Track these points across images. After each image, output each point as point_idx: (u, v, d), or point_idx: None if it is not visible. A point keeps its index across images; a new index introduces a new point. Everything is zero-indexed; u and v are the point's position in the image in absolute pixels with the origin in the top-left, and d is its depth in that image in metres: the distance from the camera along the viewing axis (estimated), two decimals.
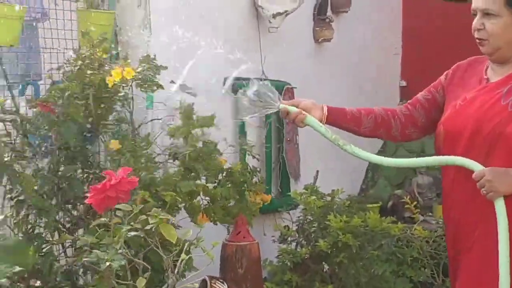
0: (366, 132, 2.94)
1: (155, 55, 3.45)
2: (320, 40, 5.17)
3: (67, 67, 3.35)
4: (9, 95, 3.47)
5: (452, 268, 2.90)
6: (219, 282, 3.37)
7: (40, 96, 3.50)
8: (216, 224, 3.48)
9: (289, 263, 4.04)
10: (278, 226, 4.24)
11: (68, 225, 3.29)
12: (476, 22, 2.73)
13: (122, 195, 2.55)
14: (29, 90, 3.62)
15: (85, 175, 3.22)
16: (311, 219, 4.28)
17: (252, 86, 2.74)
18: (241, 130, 4.46)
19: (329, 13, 5.22)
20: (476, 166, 2.64)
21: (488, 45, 2.73)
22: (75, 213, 3.23)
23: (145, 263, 2.64)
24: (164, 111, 3.67)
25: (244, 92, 2.76)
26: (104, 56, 3.26)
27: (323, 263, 4.13)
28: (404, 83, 6.16)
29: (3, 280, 2.18)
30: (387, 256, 4.04)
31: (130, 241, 2.64)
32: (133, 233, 2.57)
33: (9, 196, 3.18)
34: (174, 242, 2.75)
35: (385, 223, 4.03)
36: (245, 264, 3.52)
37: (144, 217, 2.62)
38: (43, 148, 3.19)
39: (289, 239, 4.29)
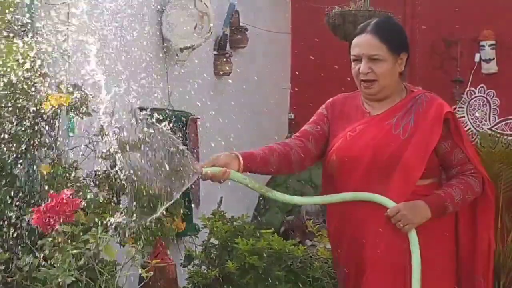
0: (272, 171, 3.13)
1: (82, 83, 3.59)
2: (220, 73, 5.46)
3: None
4: None
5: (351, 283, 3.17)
6: None
7: None
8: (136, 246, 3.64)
9: (200, 285, 4.24)
10: (188, 249, 4.44)
11: None
12: (363, 67, 3.06)
13: (65, 215, 2.69)
14: None
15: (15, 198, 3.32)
16: (216, 242, 4.51)
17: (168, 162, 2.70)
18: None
19: (228, 48, 5.52)
20: (389, 203, 2.96)
21: (376, 85, 3.07)
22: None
23: (89, 280, 2.80)
24: (84, 138, 3.81)
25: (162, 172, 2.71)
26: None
27: (230, 284, 4.35)
28: (292, 116, 6.53)
29: None
30: (290, 277, 4.31)
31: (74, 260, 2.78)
32: (75, 251, 2.71)
33: None
34: (111, 260, 2.93)
35: (289, 245, 4.31)
36: (163, 285, 3.68)
37: (86, 237, 2.78)
38: None
39: (195, 261, 4.50)
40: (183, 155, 2.73)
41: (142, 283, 3.27)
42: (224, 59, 5.46)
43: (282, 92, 6.48)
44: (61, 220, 2.72)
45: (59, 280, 2.56)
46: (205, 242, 4.56)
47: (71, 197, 2.75)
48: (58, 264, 2.62)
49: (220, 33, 5.47)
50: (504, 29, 6.01)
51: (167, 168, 2.69)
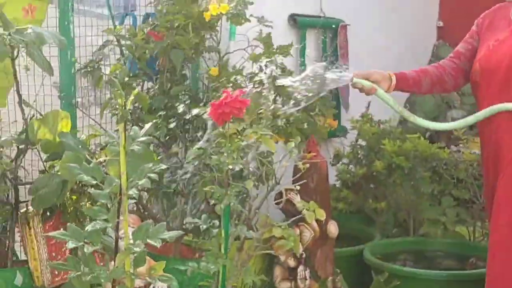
0: (425, 91, 3.42)
1: None
2: None
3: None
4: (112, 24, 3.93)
5: (490, 189, 3.31)
6: (293, 193, 3.82)
7: (137, 26, 3.95)
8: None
9: (348, 182, 4.54)
10: (337, 149, 4.73)
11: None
12: None
13: (236, 111, 2.97)
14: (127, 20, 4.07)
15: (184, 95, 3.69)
16: (363, 144, 4.77)
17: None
18: (302, 63, 4.90)
19: None
20: None
21: None
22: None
23: (254, 169, 3.13)
24: (244, 43, 4.10)
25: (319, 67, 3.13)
26: None
27: (376, 183, 4.62)
28: (441, 23, 6.54)
29: (153, 175, 2.65)
30: (435, 177, 4.52)
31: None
32: (243, 143, 3.02)
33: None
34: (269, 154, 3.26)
35: (434, 148, 4.51)
36: (316, 179, 3.97)
37: (250, 131, 3.09)
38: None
39: (343, 161, 4.80)
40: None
41: (297, 176, 3.55)
42: None
43: None
44: (232, 115, 2.98)
45: (230, 167, 2.88)
46: (353, 143, 4.83)
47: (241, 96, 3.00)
48: (227, 154, 2.93)
49: None
50: None
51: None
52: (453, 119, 6.00)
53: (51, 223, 3.35)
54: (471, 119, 3.24)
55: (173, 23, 3.60)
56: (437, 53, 6.44)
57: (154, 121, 2.76)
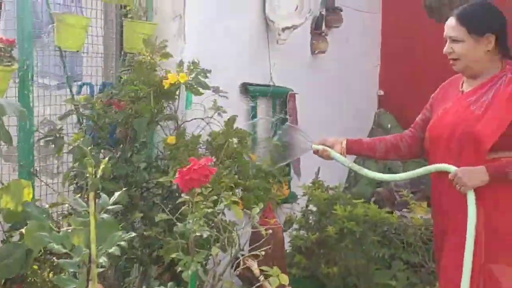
0: (380, 156, 3.63)
1: (198, 61, 3.96)
2: (316, 52, 5.78)
3: (125, 70, 3.86)
4: (69, 93, 3.98)
5: (438, 251, 3.47)
6: (251, 260, 3.87)
7: (95, 95, 4.01)
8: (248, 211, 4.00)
9: (301, 248, 4.61)
10: (289, 215, 4.80)
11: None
12: (446, 47, 3.37)
13: (204, 179, 3.02)
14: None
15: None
16: (313, 210, 4.86)
17: (288, 132, 3.64)
18: (253, 129, 5.00)
19: (324, 28, 5.82)
20: (451, 169, 3.24)
21: (459, 64, 3.35)
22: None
23: (219, 235, 3.18)
24: (199, 112, 4.18)
25: (282, 137, 3.63)
26: (164, 60, 3.77)
27: (328, 247, 4.69)
28: (381, 92, 6.78)
29: (123, 243, 2.67)
30: (385, 242, 4.64)
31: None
32: (210, 210, 3.08)
33: (75, 181, 3.70)
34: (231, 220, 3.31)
35: (383, 213, 4.63)
36: (272, 245, 4.02)
37: (215, 197, 3.15)
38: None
39: (294, 226, 4.87)
40: (302, 134, 3.60)
41: (260, 241, 3.59)
42: (320, 38, 5.76)
43: (372, 69, 6.72)
44: (200, 182, 3.02)
45: (197, 234, 2.93)
46: (304, 208, 4.92)
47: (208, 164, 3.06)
48: (194, 220, 2.98)
49: (317, 14, 5.76)
50: None
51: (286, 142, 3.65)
52: (396, 185, 6.21)
53: None
54: (413, 173, 3.43)
55: (137, 93, 3.67)
56: (378, 121, 6.65)
57: (123, 189, 2.78)
